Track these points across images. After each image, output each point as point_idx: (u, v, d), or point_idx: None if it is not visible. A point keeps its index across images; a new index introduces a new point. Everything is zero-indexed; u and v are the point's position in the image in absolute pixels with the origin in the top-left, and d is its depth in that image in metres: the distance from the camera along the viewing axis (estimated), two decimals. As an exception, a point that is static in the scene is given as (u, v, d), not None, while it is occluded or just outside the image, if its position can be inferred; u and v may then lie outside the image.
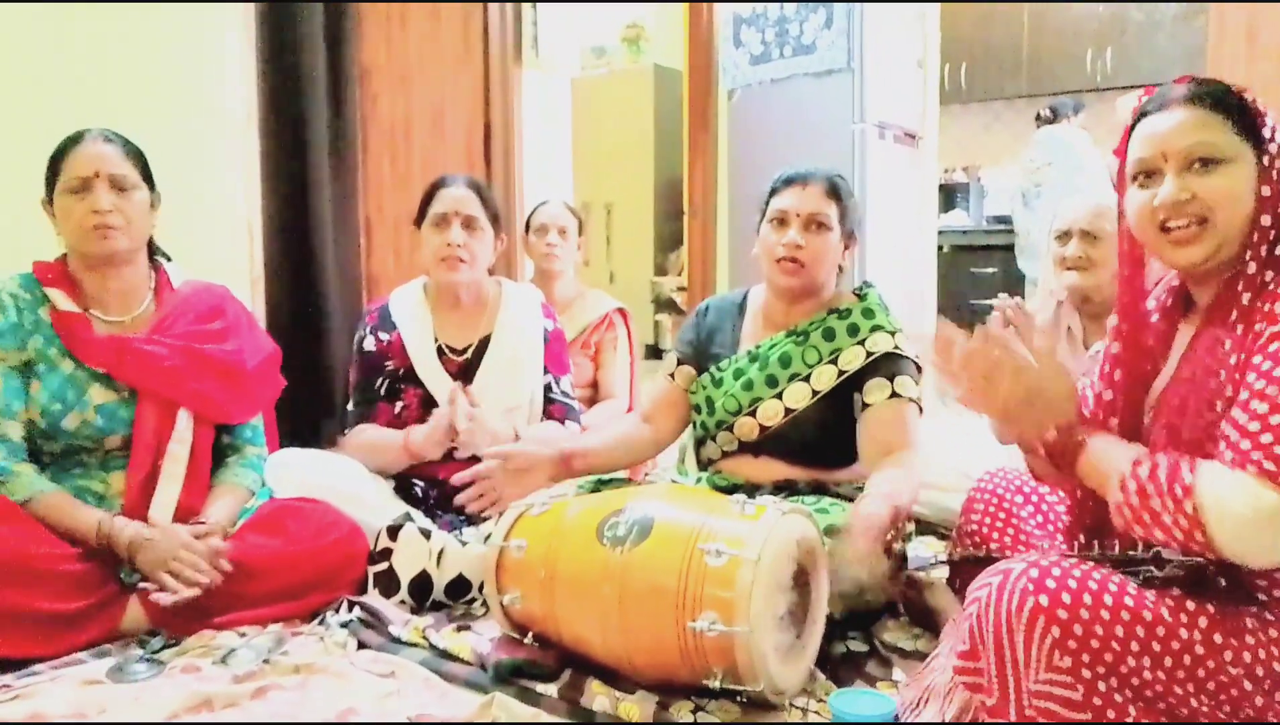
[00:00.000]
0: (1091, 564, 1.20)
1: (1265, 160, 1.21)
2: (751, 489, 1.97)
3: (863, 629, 1.85)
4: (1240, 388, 1.16)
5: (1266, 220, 1.20)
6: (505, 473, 1.95)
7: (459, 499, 2.00)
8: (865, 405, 1.96)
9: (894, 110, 4.07)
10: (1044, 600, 1.13)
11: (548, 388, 2.38)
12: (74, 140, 1.91)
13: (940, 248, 4.91)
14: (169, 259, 2.12)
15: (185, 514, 1.93)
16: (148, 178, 1.98)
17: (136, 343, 1.93)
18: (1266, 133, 1.22)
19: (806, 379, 2.00)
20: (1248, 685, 1.14)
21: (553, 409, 2.38)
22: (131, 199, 1.92)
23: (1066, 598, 1.13)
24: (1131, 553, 1.30)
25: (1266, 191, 1.21)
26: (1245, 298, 1.20)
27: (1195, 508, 1.11)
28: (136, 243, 1.96)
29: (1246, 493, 1.09)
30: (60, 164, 1.90)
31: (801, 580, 1.61)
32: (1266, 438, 1.10)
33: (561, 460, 2.00)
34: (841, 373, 1.98)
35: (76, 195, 1.88)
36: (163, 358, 1.94)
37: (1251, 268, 1.20)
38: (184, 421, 1.97)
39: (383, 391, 2.35)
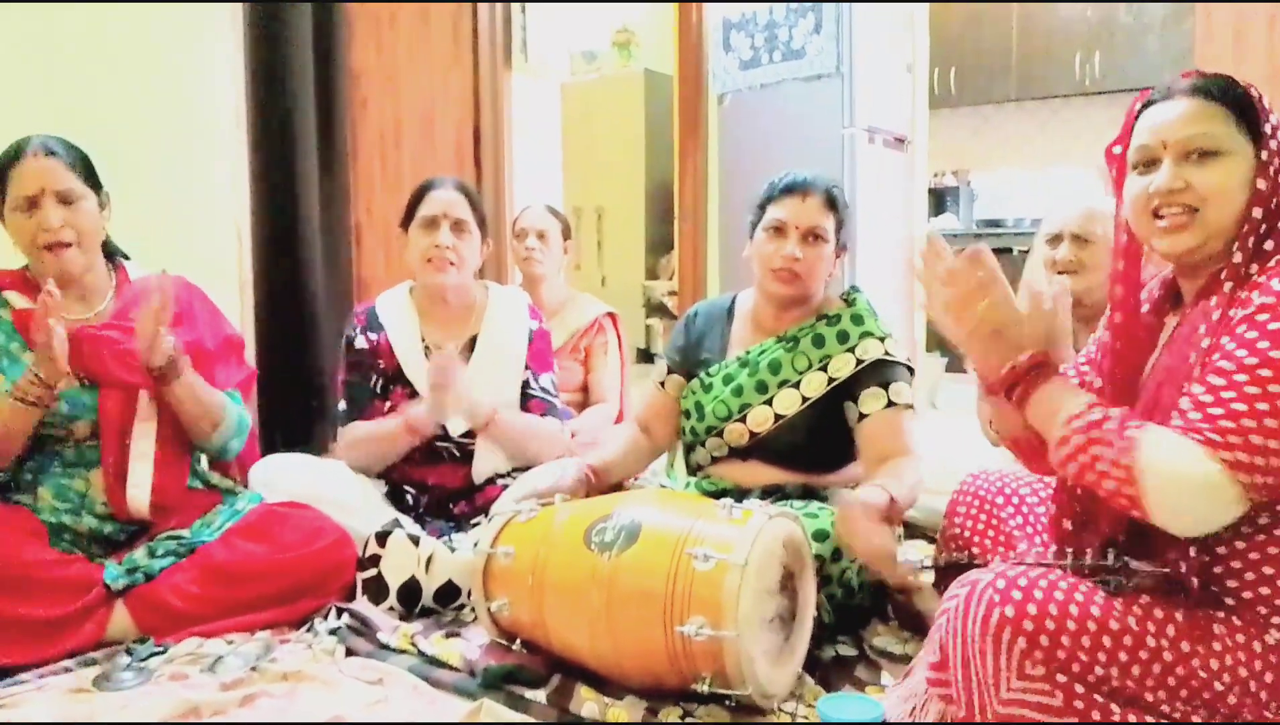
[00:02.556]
0: (1059, 573, 1.20)
1: (1264, 156, 1.22)
2: (740, 494, 1.97)
3: (852, 633, 1.85)
4: (1205, 366, 1.17)
5: (1258, 213, 1.21)
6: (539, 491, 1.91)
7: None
8: (862, 415, 1.95)
9: (883, 114, 4.08)
10: (1009, 611, 1.14)
11: (525, 384, 2.37)
12: (15, 156, 1.88)
13: (930, 251, 4.91)
14: (128, 258, 2.12)
15: (161, 493, 1.95)
16: (93, 181, 1.97)
17: (90, 330, 1.93)
18: (1267, 129, 1.22)
19: (796, 386, 2.00)
20: (1218, 687, 1.15)
21: (531, 405, 2.36)
22: (80, 210, 1.91)
23: (1032, 608, 1.14)
24: (1101, 562, 1.30)
25: (1262, 185, 1.21)
26: (1228, 286, 1.21)
27: (1134, 461, 1.11)
28: (90, 252, 1.97)
29: (1188, 457, 1.10)
30: (5, 181, 1.88)
31: (789, 584, 1.61)
32: (1216, 410, 1.11)
33: (586, 482, 1.98)
34: (832, 380, 1.98)
35: (25, 213, 1.88)
36: (116, 342, 1.94)
37: (1238, 258, 1.21)
38: (145, 403, 1.97)
39: (375, 390, 2.34)
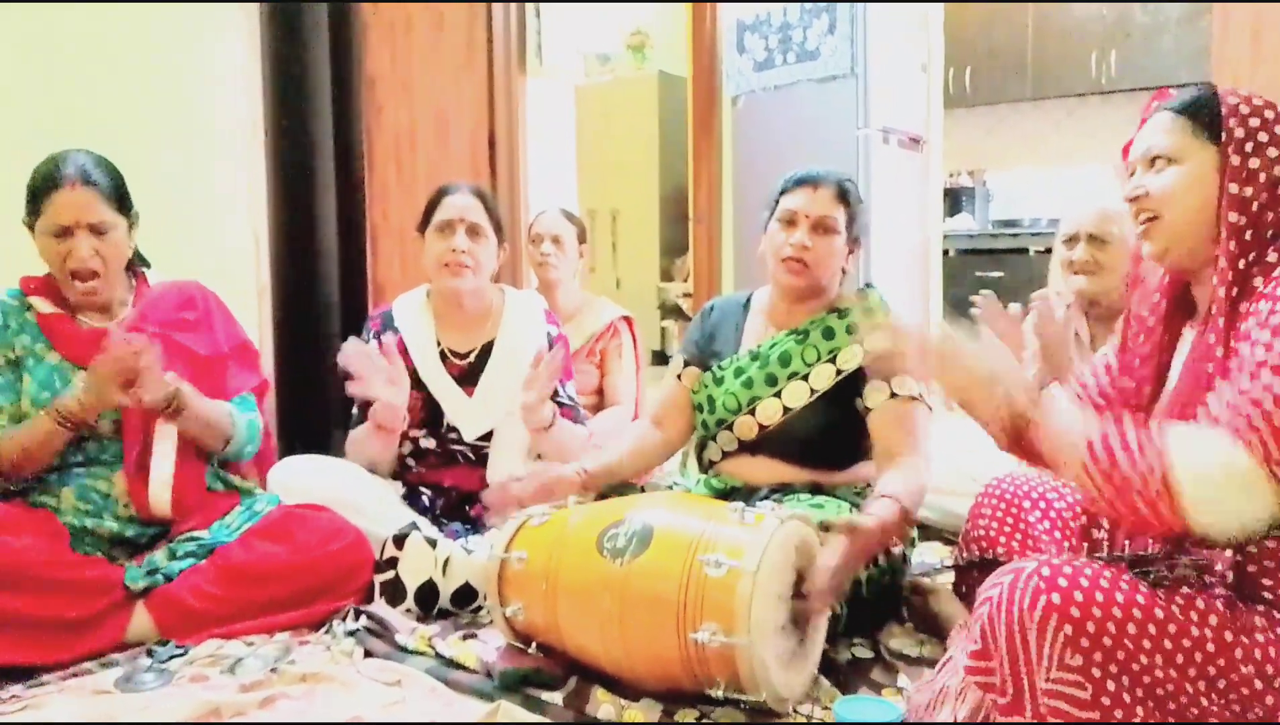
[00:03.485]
0: (1102, 563, 1.20)
1: (1237, 160, 1.23)
2: (749, 491, 1.97)
3: (868, 636, 1.85)
4: (1224, 372, 1.18)
5: (1236, 217, 1.22)
6: (531, 490, 1.92)
7: (490, 519, 1.98)
8: (867, 409, 1.96)
9: (898, 115, 4.07)
10: (1056, 598, 1.13)
11: (554, 394, 2.38)
12: (52, 182, 1.89)
13: (946, 252, 4.91)
14: (149, 266, 2.15)
15: (182, 490, 1.97)
16: (125, 202, 1.98)
17: (114, 332, 1.95)
18: (1241, 133, 1.23)
19: (805, 378, 2.00)
20: (1258, 684, 1.15)
21: (560, 413, 2.38)
22: (110, 239, 1.94)
23: (1079, 596, 1.13)
24: (1143, 553, 1.30)
25: (1234, 189, 1.22)
26: (1221, 291, 1.22)
27: (1167, 477, 1.09)
28: (115, 276, 1.99)
29: (1220, 454, 1.09)
30: (40, 202, 1.90)
31: (802, 587, 1.60)
32: (1238, 399, 1.11)
33: (586, 480, 1.98)
34: (839, 372, 1.98)
35: (56, 239, 1.90)
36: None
37: (1222, 263, 1.22)
38: None
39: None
